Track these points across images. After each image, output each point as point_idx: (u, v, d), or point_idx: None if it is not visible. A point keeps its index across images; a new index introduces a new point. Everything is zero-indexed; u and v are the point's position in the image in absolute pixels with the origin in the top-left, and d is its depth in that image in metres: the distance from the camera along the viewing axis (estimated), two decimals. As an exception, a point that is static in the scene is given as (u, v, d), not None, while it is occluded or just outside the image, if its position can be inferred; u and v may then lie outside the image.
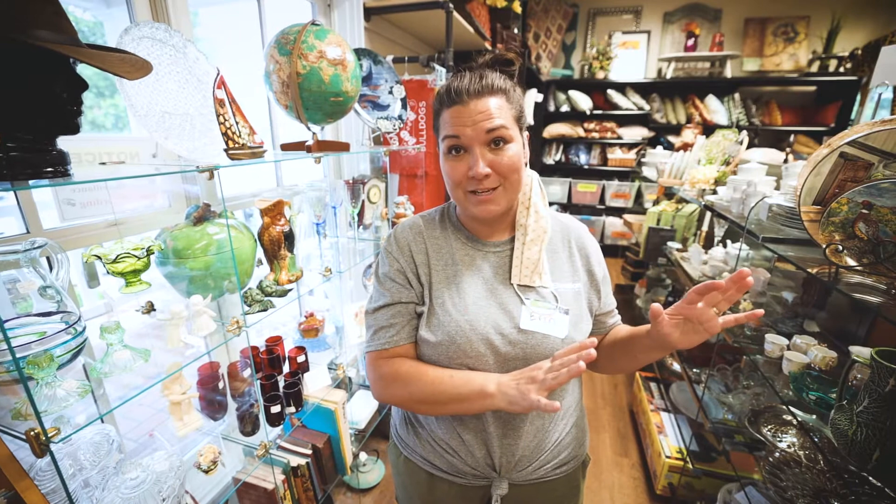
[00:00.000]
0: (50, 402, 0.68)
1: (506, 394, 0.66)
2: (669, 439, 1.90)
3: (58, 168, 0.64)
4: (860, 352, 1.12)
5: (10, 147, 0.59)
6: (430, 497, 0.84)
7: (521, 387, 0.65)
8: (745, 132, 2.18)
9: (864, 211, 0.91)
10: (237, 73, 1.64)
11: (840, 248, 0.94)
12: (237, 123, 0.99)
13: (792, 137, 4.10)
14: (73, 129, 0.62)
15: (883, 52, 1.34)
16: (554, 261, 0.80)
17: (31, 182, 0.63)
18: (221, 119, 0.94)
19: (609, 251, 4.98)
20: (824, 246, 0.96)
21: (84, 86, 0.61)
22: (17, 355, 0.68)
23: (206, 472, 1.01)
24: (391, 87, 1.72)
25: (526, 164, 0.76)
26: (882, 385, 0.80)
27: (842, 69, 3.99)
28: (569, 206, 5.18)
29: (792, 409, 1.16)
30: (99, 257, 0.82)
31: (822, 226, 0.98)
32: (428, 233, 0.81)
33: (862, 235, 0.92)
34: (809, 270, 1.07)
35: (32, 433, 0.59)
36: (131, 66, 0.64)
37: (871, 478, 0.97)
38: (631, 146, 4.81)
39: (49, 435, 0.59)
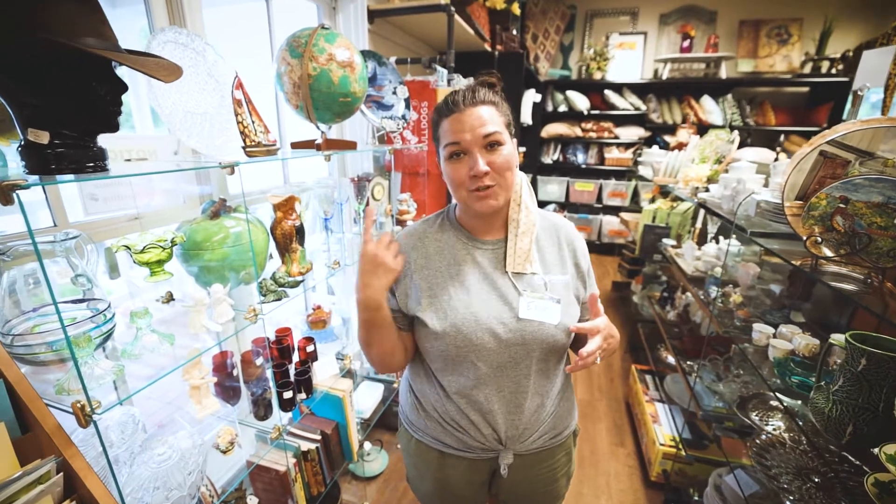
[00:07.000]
0: (88, 380, 0.73)
1: None
2: (663, 428, 1.96)
3: (97, 163, 0.69)
4: (839, 339, 1.18)
5: (57, 143, 0.65)
6: (441, 474, 0.93)
7: None
8: (736, 132, 2.25)
9: (840, 205, 0.98)
10: (245, 69, 1.69)
11: (819, 239, 1.01)
12: (253, 122, 1.04)
13: (782, 137, 4.18)
14: (114, 127, 0.68)
15: (865, 56, 1.41)
16: (546, 255, 0.89)
17: (57, 177, 0.67)
18: (239, 118, 1.00)
19: (606, 249, 5.05)
20: (805, 238, 1.03)
21: (124, 87, 0.67)
22: (57, 337, 0.75)
23: (224, 452, 1.07)
24: (395, 88, 1.78)
25: (516, 166, 0.85)
26: (855, 365, 0.87)
27: (833, 70, 4.08)
28: (567, 205, 5.24)
29: (777, 394, 1.22)
30: (128, 247, 0.87)
31: (803, 220, 1.05)
32: (431, 236, 0.90)
33: (839, 228, 0.99)
34: (794, 262, 1.14)
35: (78, 405, 0.64)
36: (166, 71, 0.69)
37: (847, 455, 1.04)
38: (628, 146, 4.89)
39: (93, 407, 0.65)
